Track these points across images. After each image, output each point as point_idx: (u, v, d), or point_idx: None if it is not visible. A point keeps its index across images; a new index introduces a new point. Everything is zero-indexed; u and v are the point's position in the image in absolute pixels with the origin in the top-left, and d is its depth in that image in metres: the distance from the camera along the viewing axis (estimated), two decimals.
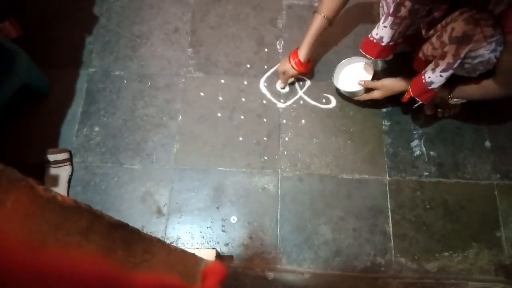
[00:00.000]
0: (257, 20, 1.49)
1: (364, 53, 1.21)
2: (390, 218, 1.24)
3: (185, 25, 1.50)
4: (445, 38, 0.96)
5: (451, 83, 1.08)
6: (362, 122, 1.35)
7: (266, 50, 1.45)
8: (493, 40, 0.89)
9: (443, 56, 0.98)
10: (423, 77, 1.05)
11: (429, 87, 1.05)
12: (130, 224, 0.48)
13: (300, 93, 1.40)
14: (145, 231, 0.59)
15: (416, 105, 1.15)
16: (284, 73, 1.31)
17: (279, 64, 1.35)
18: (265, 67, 1.43)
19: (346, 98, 1.37)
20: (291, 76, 1.33)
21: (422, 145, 1.33)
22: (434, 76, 1.02)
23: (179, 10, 1.52)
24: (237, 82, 1.41)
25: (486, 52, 0.92)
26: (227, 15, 1.51)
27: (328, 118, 1.36)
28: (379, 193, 1.27)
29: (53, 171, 1.24)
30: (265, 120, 1.36)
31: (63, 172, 1.25)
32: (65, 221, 0.33)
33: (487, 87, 1.03)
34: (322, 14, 1.19)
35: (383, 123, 1.36)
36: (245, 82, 1.41)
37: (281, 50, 1.46)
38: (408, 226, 1.23)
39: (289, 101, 1.38)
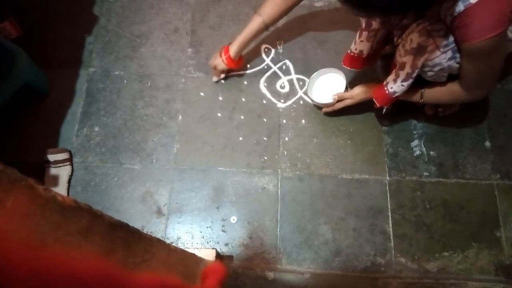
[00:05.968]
0: None
1: (349, 68, 1.23)
2: (390, 218, 1.24)
3: (185, 25, 1.50)
4: (407, 47, 0.98)
5: (422, 87, 1.10)
6: (362, 122, 1.35)
7: (266, 50, 1.45)
8: (448, 49, 0.91)
9: (402, 67, 1.01)
10: (385, 88, 1.09)
11: (394, 96, 1.08)
12: (130, 224, 0.48)
13: (300, 93, 1.40)
14: (145, 231, 0.59)
15: (384, 111, 1.19)
16: (215, 67, 1.32)
17: (212, 58, 1.34)
18: (265, 67, 1.43)
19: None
20: (222, 71, 1.34)
21: (422, 145, 1.33)
22: (396, 86, 1.06)
23: (179, 10, 1.52)
24: (237, 82, 1.41)
25: (443, 60, 0.93)
26: (227, 15, 1.51)
27: (328, 118, 1.36)
28: (379, 193, 1.27)
29: (53, 171, 1.24)
30: (265, 120, 1.36)
31: (63, 172, 1.25)
32: (65, 221, 0.33)
33: (455, 92, 1.03)
34: (261, 18, 1.19)
35: (383, 123, 1.36)
36: (245, 82, 1.41)
37: (281, 50, 1.46)
38: (408, 226, 1.23)
39: (289, 101, 1.38)
